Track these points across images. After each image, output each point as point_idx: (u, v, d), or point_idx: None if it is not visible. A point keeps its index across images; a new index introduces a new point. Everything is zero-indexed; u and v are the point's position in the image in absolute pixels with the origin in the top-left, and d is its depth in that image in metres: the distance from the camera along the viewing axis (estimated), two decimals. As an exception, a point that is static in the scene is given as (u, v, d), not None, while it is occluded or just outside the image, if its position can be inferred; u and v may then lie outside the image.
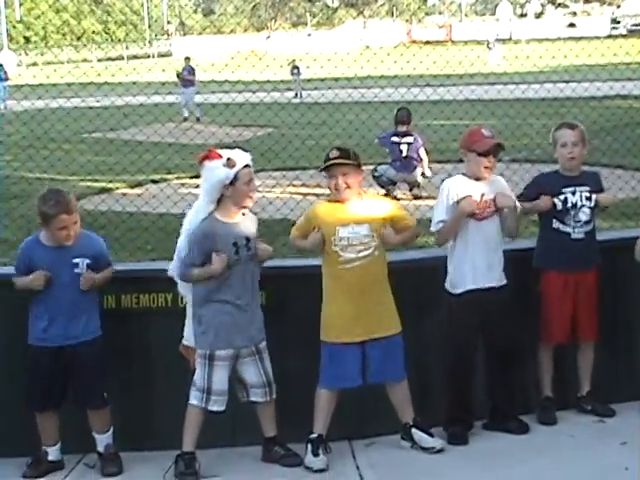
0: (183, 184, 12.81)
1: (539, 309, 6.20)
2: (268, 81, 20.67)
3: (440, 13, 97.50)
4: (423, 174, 13.51)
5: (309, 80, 27.01)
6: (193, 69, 28.25)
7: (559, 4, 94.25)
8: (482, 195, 5.92)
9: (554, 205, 6.12)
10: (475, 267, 5.90)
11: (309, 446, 5.71)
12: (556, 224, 6.16)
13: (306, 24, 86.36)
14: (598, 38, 33.42)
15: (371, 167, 13.16)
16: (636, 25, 66.14)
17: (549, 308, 6.16)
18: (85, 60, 53.87)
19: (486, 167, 5.95)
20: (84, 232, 5.85)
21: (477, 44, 45.58)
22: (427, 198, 12.31)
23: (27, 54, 60.41)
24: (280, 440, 5.81)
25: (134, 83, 16.98)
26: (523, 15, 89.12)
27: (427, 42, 50.56)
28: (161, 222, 9.97)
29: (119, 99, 17.01)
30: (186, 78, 27.55)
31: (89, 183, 14.11)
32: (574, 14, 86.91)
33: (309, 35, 66.23)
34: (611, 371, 6.37)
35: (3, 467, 5.86)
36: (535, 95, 17.94)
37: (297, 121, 14.79)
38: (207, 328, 5.59)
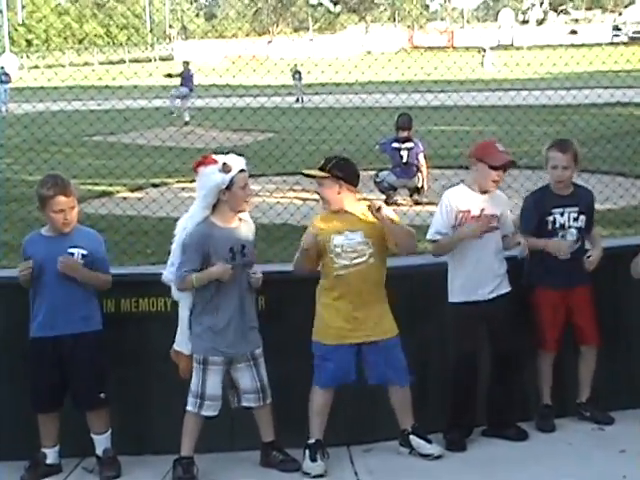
0: (183, 188, 12.78)
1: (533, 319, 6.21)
2: (269, 86, 20.64)
3: (442, 19, 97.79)
4: (422, 187, 13.42)
5: (310, 85, 27.00)
6: (192, 74, 28.33)
7: (561, 11, 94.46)
8: (482, 210, 5.92)
9: (545, 223, 6.12)
10: (477, 277, 5.90)
11: (307, 451, 5.71)
12: None
13: (308, 29, 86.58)
14: (599, 45, 33.41)
15: (372, 173, 13.17)
16: (637, 32, 66.28)
17: (540, 319, 6.16)
18: (87, 63, 54.02)
19: (494, 181, 5.95)
20: (84, 228, 5.86)
21: (479, 51, 45.75)
22: (427, 204, 12.31)
23: (29, 57, 60.44)
24: (278, 445, 5.80)
25: (135, 87, 16.98)
26: (525, 22, 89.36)
27: (429, 48, 50.58)
28: (161, 226, 9.95)
29: (120, 102, 17.02)
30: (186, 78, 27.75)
31: (89, 186, 14.08)
32: (576, 21, 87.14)
33: (311, 40, 66.25)
34: (610, 378, 6.35)
35: (1, 470, 5.84)
36: (536, 102, 17.97)
37: (298, 126, 14.78)
38: (202, 333, 5.60)
